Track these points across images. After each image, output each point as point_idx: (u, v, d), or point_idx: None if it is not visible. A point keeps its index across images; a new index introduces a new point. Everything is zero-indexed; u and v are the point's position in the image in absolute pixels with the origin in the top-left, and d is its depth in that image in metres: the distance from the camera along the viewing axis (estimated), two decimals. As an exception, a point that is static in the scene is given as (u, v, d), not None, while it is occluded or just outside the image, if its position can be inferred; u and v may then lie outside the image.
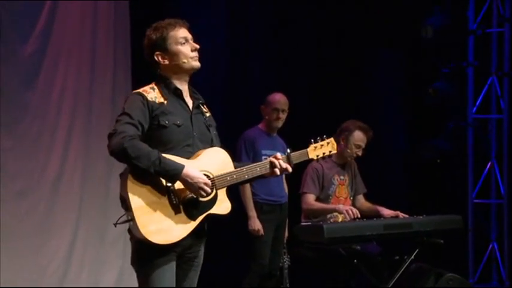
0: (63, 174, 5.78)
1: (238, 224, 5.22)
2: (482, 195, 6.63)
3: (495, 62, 6.56)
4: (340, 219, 5.22)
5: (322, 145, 3.56)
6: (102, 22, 6.04)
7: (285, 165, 3.34)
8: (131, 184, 3.04)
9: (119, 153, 3.03)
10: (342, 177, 5.48)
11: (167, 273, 3.13)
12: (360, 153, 5.44)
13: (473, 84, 6.62)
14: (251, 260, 5.34)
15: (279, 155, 3.36)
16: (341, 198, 5.46)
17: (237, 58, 6.97)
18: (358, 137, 5.39)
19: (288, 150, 3.42)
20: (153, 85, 3.27)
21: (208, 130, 3.33)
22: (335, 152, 3.62)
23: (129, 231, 3.14)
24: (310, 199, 5.36)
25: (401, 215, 5.29)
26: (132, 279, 5.86)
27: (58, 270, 5.65)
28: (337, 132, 5.44)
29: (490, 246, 6.53)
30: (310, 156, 3.52)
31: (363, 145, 5.42)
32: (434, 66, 6.60)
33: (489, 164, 6.59)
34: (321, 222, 4.98)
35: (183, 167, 3.07)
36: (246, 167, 3.29)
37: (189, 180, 3.07)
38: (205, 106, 3.40)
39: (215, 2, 6.83)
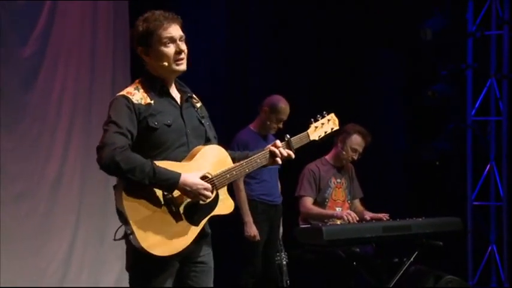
0: (63, 176, 5.77)
1: (230, 226, 5.19)
2: (481, 197, 6.63)
3: (494, 64, 6.55)
4: (338, 223, 5.22)
5: (322, 123, 3.38)
6: (101, 23, 6.02)
7: (286, 152, 3.18)
8: (126, 197, 2.89)
9: (110, 166, 2.87)
10: (338, 180, 5.47)
11: (166, 285, 3.01)
12: (355, 157, 5.42)
13: (472, 86, 6.61)
14: (245, 260, 5.33)
15: (278, 142, 3.20)
16: (338, 201, 5.45)
17: (237, 58, 6.96)
18: (356, 140, 5.37)
19: (288, 136, 3.26)
20: (137, 84, 3.08)
21: (201, 123, 3.16)
22: (337, 128, 3.44)
23: (127, 241, 3.00)
24: (308, 203, 5.35)
25: (383, 216, 5.28)
26: (131, 281, 5.87)
27: (58, 271, 5.65)
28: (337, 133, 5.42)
29: (489, 248, 6.52)
30: (312, 138, 3.33)
31: (360, 149, 5.40)
32: (433, 68, 6.60)
33: (488, 166, 6.58)
34: (320, 225, 4.98)
35: (179, 175, 2.91)
36: (245, 160, 3.12)
37: (188, 189, 2.92)
38: (194, 97, 3.22)
39: (215, 2, 6.82)
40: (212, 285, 3.18)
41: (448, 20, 6.35)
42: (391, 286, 5.13)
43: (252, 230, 5.22)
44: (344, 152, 5.38)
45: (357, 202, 5.61)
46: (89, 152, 5.88)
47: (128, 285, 3.12)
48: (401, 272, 5.18)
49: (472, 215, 6.59)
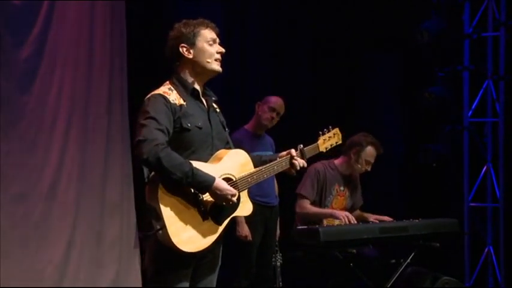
0: (60, 179, 5.73)
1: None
2: (478, 198, 6.64)
3: (491, 65, 6.56)
4: (336, 223, 5.21)
5: (329, 137, 3.64)
6: (98, 24, 5.99)
7: (301, 161, 3.39)
8: (162, 194, 3.01)
9: (152, 162, 2.98)
10: (342, 188, 5.46)
11: (183, 282, 3.14)
12: (369, 169, 5.43)
13: (469, 88, 6.63)
14: (238, 261, 5.32)
15: (293, 151, 3.40)
16: (337, 209, 5.46)
17: (234, 60, 6.96)
18: (370, 152, 5.37)
19: (301, 146, 3.46)
20: (169, 85, 3.23)
21: (224, 128, 3.35)
22: (340, 142, 3.69)
23: (149, 237, 3.11)
24: (306, 204, 5.35)
25: (387, 219, 5.30)
26: (128, 283, 5.86)
27: (54, 274, 5.62)
28: (347, 144, 5.36)
29: (486, 249, 6.53)
30: (321, 149, 3.59)
31: (373, 161, 5.41)
32: (430, 70, 6.61)
33: (485, 167, 6.59)
34: (317, 226, 4.98)
35: (214, 179, 3.07)
36: (264, 166, 3.33)
37: (218, 193, 3.08)
38: (216, 103, 3.40)
39: (213, 1, 6.82)
40: (215, 283, 3.31)
41: (444, 22, 6.36)
42: (388, 287, 5.13)
43: (244, 230, 5.22)
44: (359, 165, 5.38)
45: (357, 212, 5.61)
46: (85, 155, 5.88)
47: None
48: (398, 273, 5.19)
49: (469, 217, 6.59)
